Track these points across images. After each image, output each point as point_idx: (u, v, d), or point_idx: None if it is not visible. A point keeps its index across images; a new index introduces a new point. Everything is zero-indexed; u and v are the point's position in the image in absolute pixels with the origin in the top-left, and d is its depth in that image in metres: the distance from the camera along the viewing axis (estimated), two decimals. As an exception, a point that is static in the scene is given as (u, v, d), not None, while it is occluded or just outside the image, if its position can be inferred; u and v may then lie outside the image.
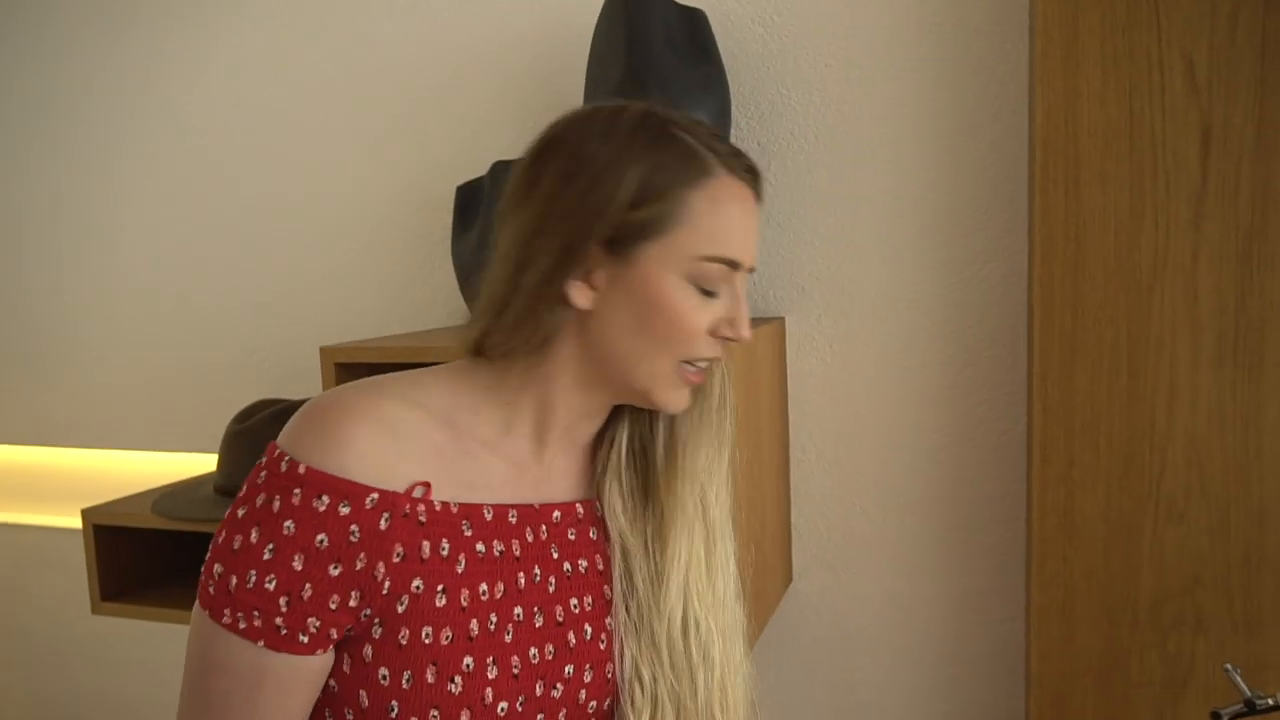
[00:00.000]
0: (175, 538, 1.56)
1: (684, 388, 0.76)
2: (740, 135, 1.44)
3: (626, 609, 0.80)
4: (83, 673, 2.10)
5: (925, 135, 1.36)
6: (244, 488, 0.69)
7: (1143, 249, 1.15)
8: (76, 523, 1.79)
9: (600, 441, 0.83)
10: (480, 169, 1.51)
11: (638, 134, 0.71)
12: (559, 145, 0.72)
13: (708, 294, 0.73)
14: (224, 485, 1.45)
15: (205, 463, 1.77)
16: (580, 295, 0.72)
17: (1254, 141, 1.10)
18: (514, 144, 1.57)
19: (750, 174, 0.75)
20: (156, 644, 1.95)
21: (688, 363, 0.74)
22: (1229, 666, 1.03)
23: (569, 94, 1.52)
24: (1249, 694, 1.01)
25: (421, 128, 1.63)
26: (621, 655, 0.79)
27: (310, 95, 1.71)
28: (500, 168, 1.41)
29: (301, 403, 1.48)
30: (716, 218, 0.71)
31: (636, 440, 0.83)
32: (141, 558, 1.54)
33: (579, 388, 0.76)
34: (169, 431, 1.89)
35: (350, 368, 1.29)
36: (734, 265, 0.73)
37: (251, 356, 1.80)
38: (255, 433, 1.43)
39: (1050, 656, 1.21)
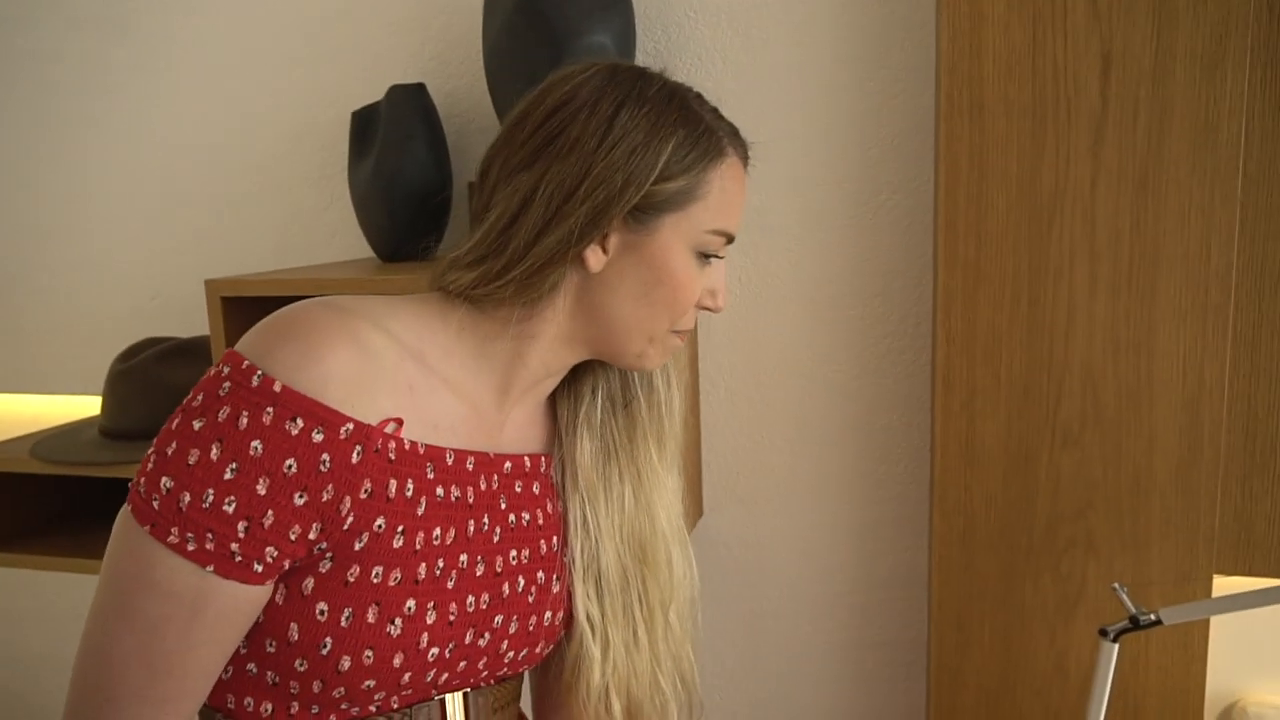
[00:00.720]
0: (56, 483, 1.49)
1: (671, 346, 0.78)
2: (645, 58, 1.40)
3: (581, 556, 0.81)
4: (-26, 629, 2.02)
5: (832, 62, 1.34)
6: (198, 396, 0.63)
7: (1044, 176, 1.15)
8: (-44, 472, 1.69)
9: (562, 399, 0.84)
10: (376, 94, 1.44)
11: (669, 107, 0.72)
12: (585, 107, 0.71)
13: (703, 264, 0.75)
14: (109, 427, 1.38)
15: (86, 406, 1.69)
16: (595, 258, 0.72)
17: (1151, 68, 1.11)
18: (409, 68, 1.50)
19: (746, 151, 0.79)
20: (40, 593, 1.87)
21: (675, 330, 0.77)
22: (1116, 585, 1.06)
23: (466, 13, 1.45)
24: (1134, 610, 1.04)
25: (313, 53, 1.55)
26: (570, 600, 0.82)
27: (196, 22, 1.60)
28: (397, 92, 1.35)
29: (190, 340, 1.42)
30: (726, 194, 0.74)
31: (604, 393, 0.84)
32: (20, 504, 1.46)
33: (561, 344, 0.76)
34: (46, 373, 1.80)
35: (239, 302, 1.23)
36: (730, 239, 0.77)
37: (136, 295, 1.71)
38: (140, 372, 1.36)
39: (951, 582, 1.24)
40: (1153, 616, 1.03)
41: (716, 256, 0.76)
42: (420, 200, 1.34)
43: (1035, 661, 1.22)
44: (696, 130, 0.72)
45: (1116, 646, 1.05)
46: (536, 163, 0.71)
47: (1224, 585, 1.15)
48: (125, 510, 0.64)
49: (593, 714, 0.82)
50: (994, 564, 1.22)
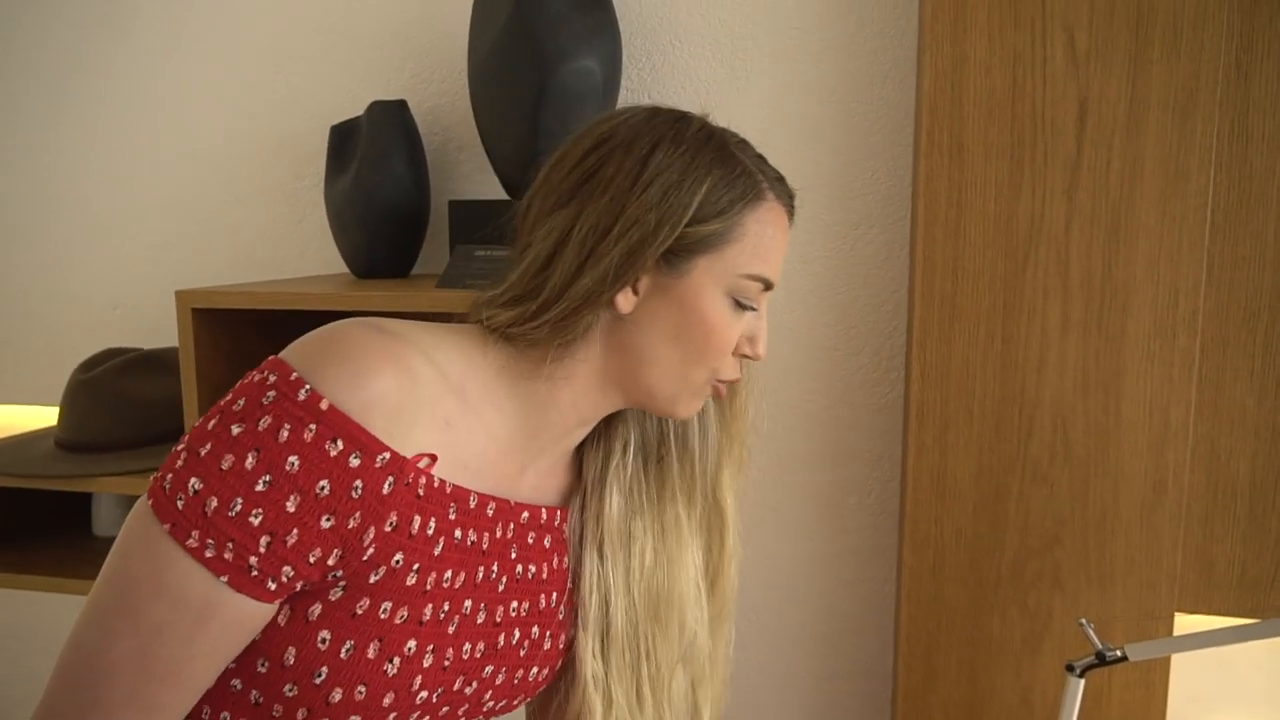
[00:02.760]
0: (9, 496, 1.44)
1: (704, 399, 0.77)
2: (631, 86, 1.40)
3: (593, 609, 0.80)
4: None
5: (814, 95, 1.36)
6: (238, 400, 0.61)
7: (1019, 217, 1.17)
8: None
9: (592, 451, 0.82)
10: (356, 109, 1.42)
11: (705, 148, 0.72)
12: (622, 147, 0.71)
13: (741, 311, 0.74)
14: (67, 439, 1.34)
15: (42, 417, 1.64)
16: (625, 300, 0.71)
17: (1126, 116, 1.14)
18: (391, 83, 1.49)
19: (790, 199, 0.78)
20: (-7, 611, 1.81)
21: (717, 380, 0.75)
22: (1083, 621, 1.07)
23: (451, 33, 1.44)
24: (1100, 646, 1.06)
25: (294, 65, 1.53)
26: (575, 656, 0.81)
27: (174, 30, 1.57)
28: (378, 108, 1.33)
29: (155, 352, 1.38)
30: (763, 238, 0.73)
31: (640, 451, 0.83)
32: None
33: (595, 388, 0.74)
34: (1, 382, 1.74)
35: (211, 315, 1.20)
36: (768, 285, 0.75)
37: (97, 305, 1.66)
38: (102, 383, 1.32)
39: (919, 615, 1.25)
40: (1118, 653, 1.05)
41: (752, 307, 0.75)
42: (398, 218, 1.33)
43: (1001, 695, 1.23)
44: (734, 172, 0.72)
45: (1082, 682, 1.06)
46: (572, 202, 0.70)
47: (1185, 623, 1.17)
48: (143, 506, 0.61)
49: None
50: (962, 597, 1.23)
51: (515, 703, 0.80)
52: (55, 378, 1.42)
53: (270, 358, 0.64)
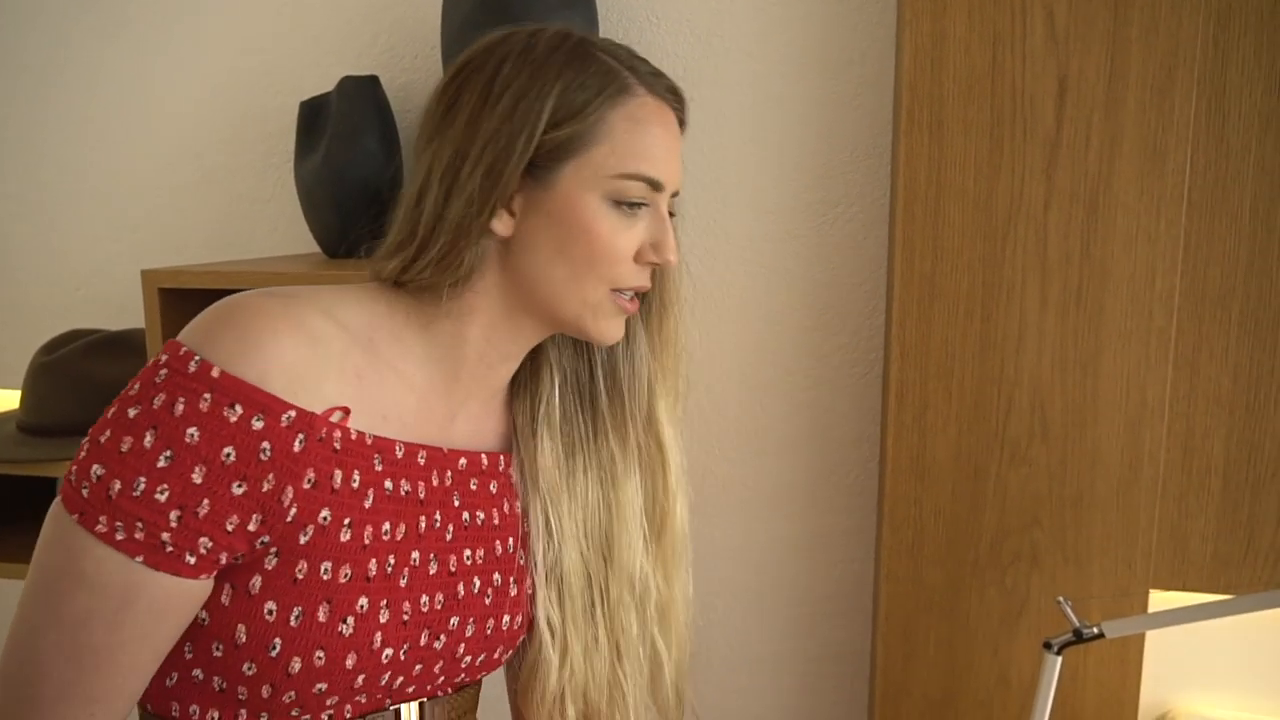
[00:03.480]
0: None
1: (617, 317, 0.73)
2: (608, 64, 1.38)
3: (543, 560, 0.79)
4: None
5: (793, 74, 1.34)
6: (134, 385, 0.61)
7: (999, 195, 1.17)
8: None
9: (520, 395, 0.80)
10: (326, 84, 1.39)
11: (555, 53, 0.68)
12: (475, 70, 0.69)
13: (628, 215, 0.70)
14: (28, 423, 1.31)
15: (3, 399, 1.60)
16: (502, 223, 0.69)
17: (1104, 94, 1.14)
18: (361, 58, 1.46)
19: (673, 94, 0.74)
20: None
21: (618, 290, 0.72)
22: (1061, 599, 1.08)
23: (423, 6, 1.41)
24: (1077, 624, 1.06)
25: (262, 39, 1.49)
26: (528, 613, 0.79)
27: (139, 4, 1.53)
28: (349, 84, 1.30)
29: (120, 333, 1.35)
30: (635, 135, 0.69)
31: (571, 388, 0.80)
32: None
33: (504, 320, 0.72)
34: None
35: (177, 295, 1.17)
36: (655, 185, 0.71)
37: (60, 285, 1.62)
38: (65, 365, 1.29)
39: (897, 595, 1.25)
40: (1095, 630, 1.05)
41: (641, 204, 0.71)
42: (369, 196, 1.30)
43: (979, 673, 1.24)
44: (588, 70, 0.68)
45: (1059, 659, 1.07)
46: (435, 137, 0.69)
47: (1160, 600, 1.18)
48: (55, 504, 0.61)
49: (546, 718, 0.80)
50: (940, 577, 1.23)
51: (497, 656, 0.79)
52: (17, 360, 1.39)
53: (167, 341, 0.64)
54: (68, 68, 1.58)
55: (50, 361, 1.30)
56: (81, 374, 1.28)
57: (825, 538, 1.42)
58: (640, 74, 0.71)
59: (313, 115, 1.33)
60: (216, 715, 0.65)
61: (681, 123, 0.75)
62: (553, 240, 0.69)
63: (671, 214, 0.74)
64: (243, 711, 0.65)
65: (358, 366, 0.67)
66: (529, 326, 0.73)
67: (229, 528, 0.60)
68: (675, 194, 0.75)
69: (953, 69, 1.16)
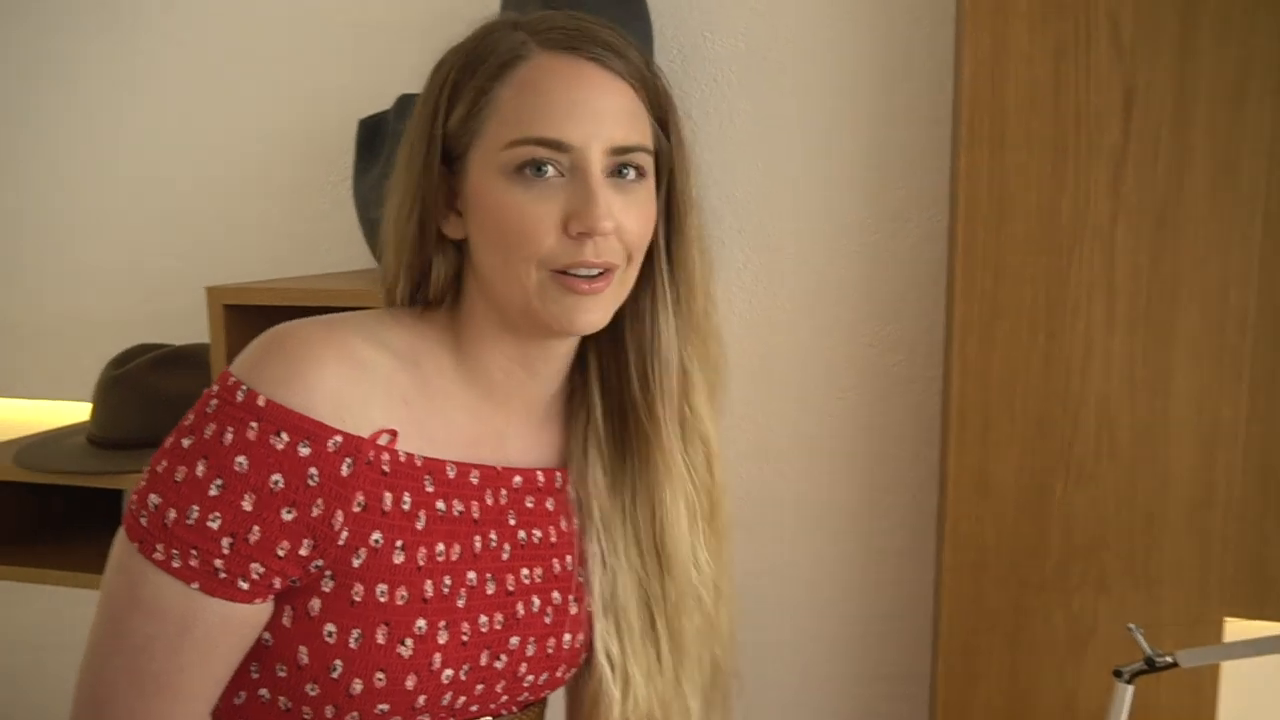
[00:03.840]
0: (36, 492, 1.44)
1: (570, 298, 0.66)
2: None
3: (600, 591, 0.77)
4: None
5: (849, 87, 1.33)
6: (189, 416, 0.63)
7: (1063, 211, 1.14)
8: (-69, 476, 1.64)
9: (575, 413, 0.79)
10: (385, 102, 1.41)
11: (455, 49, 0.70)
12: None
13: (536, 185, 0.65)
14: (98, 436, 1.34)
15: (73, 412, 1.64)
16: (451, 226, 0.70)
17: (1173, 106, 1.10)
18: (420, 76, 1.47)
19: (589, 43, 0.66)
20: (24, 607, 1.81)
21: (563, 272, 0.66)
22: (1132, 626, 1.04)
23: (478, 23, 1.43)
24: (1150, 652, 1.02)
25: (322, 57, 1.52)
26: (589, 631, 0.78)
27: (197, 20, 1.57)
28: (406, 101, 1.32)
29: (185, 348, 1.38)
30: (523, 100, 0.65)
31: (614, 398, 0.77)
32: (2, 514, 1.42)
33: (501, 329, 0.71)
34: (29, 377, 1.74)
35: (242, 311, 1.20)
36: (554, 145, 0.65)
37: (126, 300, 1.66)
38: (134, 379, 1.32)
39: (959, 616, 1.22)
40: (1169, 659, 1.02)
41: (543, 169, 0.64)
42: (428, 212, 1.31)
43: (1043, 699, 1.20)
44: (475, 54, 0.68)
45: (1131, 688, 1.03)
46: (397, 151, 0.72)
47: (1235, 629, 1.14)
48: (120, 532, 0.63)
49: None
50: (1004, 599, 1.20)
51: (559, 675, 0.78)
52: (87, 373, 1.43)
53: (221, 371, 0.65)
54: (135, 90, 1.62)
55: (118, 375, 1.33)
56: (148, 388, 1.31)
57: (882, 556, 1.40)
58: (534, 31, 0.67)
59: (371, 133, 1.35)
60: None
61: (619, 71, 0.67)
62: (482, 232, 0.67)
63: (637, 171, 0.68)
64: None
65: (404, 389, 0.67)
66: (524, 330, 0.70)
67: (280, 553, 0.61)
68: (625, 150, 0.66)
69: (1014, 82, 1.14)
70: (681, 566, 0.79)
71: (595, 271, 0.66)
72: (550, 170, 0.65)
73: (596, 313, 0.68)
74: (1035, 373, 1.16)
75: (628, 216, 0.67)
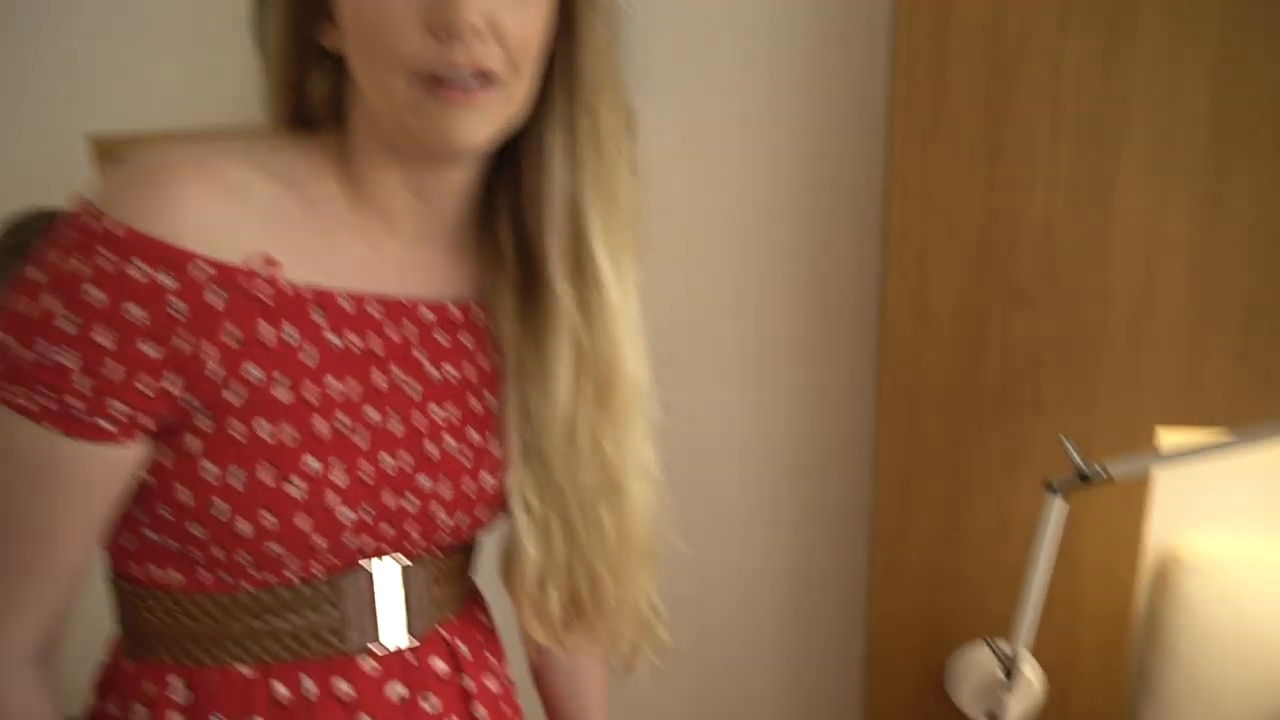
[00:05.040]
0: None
1: (446, 109, 0.59)
2: None
3: (519, 429, 0.72)
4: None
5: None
6: (42, 248, 0.58)
7: (1009, 21, 1.08)
8: None
9: (486, 240, 0.73)
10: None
11: None
12: None
13: None
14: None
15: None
16: (328, 35, 0.63)
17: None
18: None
19: None
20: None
21: (437, 82, 0.59)
22: (1063, 438, 1.04)
23: None
24: (1081, 465, 1.03)
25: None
26: (506, 475, 0.72)
27: None
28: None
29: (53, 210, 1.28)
30: None
31: (522, 239, 0.70)
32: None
33: (386, 152, 0.65)
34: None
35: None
36: None
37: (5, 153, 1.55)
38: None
39: (897, 445, 1.22)
40: (1100, 470, 1.02)
41: None
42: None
43: (979, 520, 1.22)
44: None
45: (1062, 501, 1.05)
46: None
47: (1170, 440, 1.15)
48: None
49: (529, 602, 0.76)
50: (941, 425, 1.20)
51: (480, 515, 0.74)
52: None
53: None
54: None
55: (14, 247, 1.24)
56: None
57: (823, 390, 1.39)
58: None
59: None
60: (177, 575, 0.64)
61: None
62: (347, 35, 0.61)
63: None
64: (200, 570, 0.64)
65: (288, 214, 0.62)
66: (405, 151, 0.64)
67: (145, 390, 0.57)
68: None
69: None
70: (561, 437, 0.72)
71: (470, 77, 0.59)
72: None
73: (474, 125, 0.60)
74: (976, 194, 1.13)
75: (507, 13, 0.59)
